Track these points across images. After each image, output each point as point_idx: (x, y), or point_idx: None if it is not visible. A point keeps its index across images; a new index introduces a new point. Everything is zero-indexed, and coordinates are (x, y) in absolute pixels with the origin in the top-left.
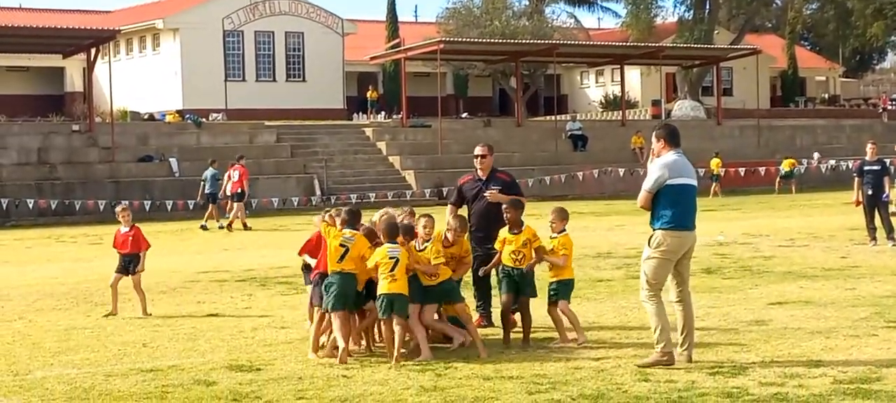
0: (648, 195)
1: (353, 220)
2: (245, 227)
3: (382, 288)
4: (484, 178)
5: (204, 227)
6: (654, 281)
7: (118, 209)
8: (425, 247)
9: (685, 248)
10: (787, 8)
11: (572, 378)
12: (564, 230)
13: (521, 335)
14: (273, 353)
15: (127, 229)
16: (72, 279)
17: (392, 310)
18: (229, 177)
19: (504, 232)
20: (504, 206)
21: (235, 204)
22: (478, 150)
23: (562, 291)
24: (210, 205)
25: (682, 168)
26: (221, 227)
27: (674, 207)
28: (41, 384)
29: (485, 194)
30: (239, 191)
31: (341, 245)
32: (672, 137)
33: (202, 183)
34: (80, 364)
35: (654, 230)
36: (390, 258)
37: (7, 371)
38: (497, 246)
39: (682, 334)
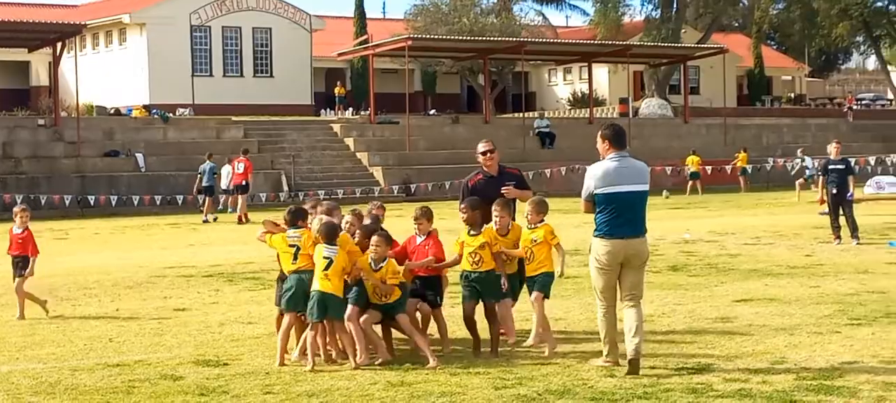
0: (586, 203)
1: (295, 219)
2: (244, 220)
3: (315, 285)
4: (494, 175)
5: (206, 221)
6: (598, 288)
7: (16, 209)
8: (380, 268)
9: (620, 257)
10: (754, 7)
11: (539, 373)
12: (543, 221)
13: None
14: (240, 348)
15: (20, 230)
16: (37, 273)
17: (326, 313)
18: (233, 168)
19: (462, 235)
20: (528, 204)
21: (241, 197)
22: (483, 147)
23: (537, 285)
24: (207, 199)
25: (617, 174)
26: (206, 221)
27: (606, 215)
28: (7, 378)
29: (502, 191)
30: (243, 183)
31: (290, 245)
32: (617, 139)
33: (199, 176)
34: (46, 358)
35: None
36: (324, 258)
37: None
38: (455, 248)
39: (604, 343)
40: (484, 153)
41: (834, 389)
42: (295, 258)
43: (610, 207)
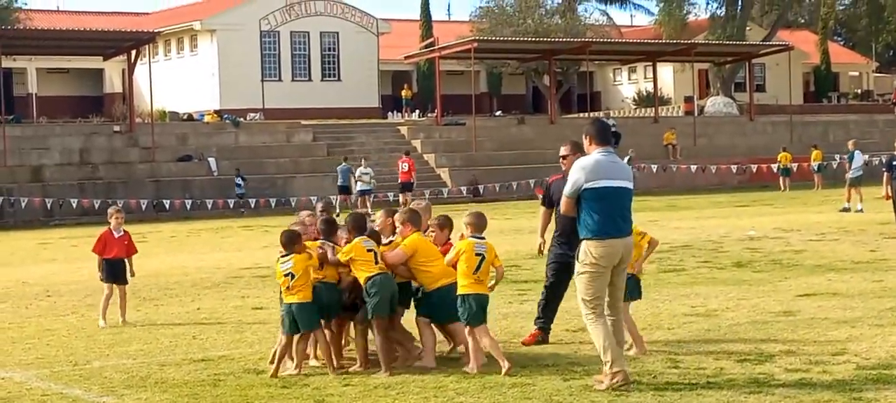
0: (569, 200)
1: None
2: None
3: (286, 298)
4: None
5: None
6: (589, 298)
7: (112, 210)
8: (390, 241)
9: (616, 258)
10: (820, 3)
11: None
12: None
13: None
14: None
15: (122, 233)
16: None
17: (297, 327)
18: (398, 167)
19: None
20: None
21: (402, 195)
22: (561, 150)
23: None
24: (342, 197)
25: (605, 169)
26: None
27: (597, 213)
28: (99, 373)
29: None
30: (409, 181)
31: (368, 249)
32: (600, 134)
33: (338, 178)
34: (135, 354)
35: (581, 240)
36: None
37: (66, 361)
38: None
39: (606, 353)
40: (561, 157)
41: (893, 379)
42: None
43: (602, 204)
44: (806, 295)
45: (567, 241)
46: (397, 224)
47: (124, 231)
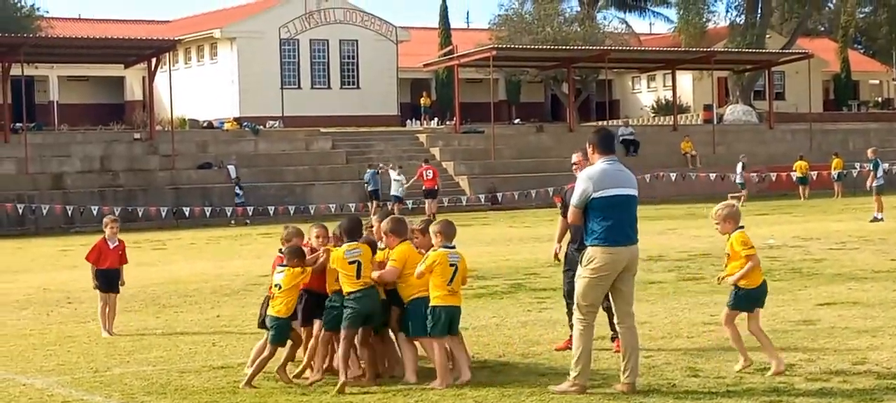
0: (576, 210)
1: (355, 232)
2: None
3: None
4: None
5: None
6: (585, 302)
7: (107, 219)
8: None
9: (620, 266)
10: (840, 11)
11: None
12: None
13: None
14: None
15: (116, 243)
16: (138, 282)
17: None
18: (421, 175)
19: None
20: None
21: (431, 201)
22: (573, 158)
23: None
24: (373, 202)
25: (612, 177)
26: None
27: (604, 221)
28: (120, 380)
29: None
30: (434, 188)
31: (351, 262)
32: (604, 143)
33: (365, 184)
34: (155, 361)
35: (587, 247)
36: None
37: (87, 368)
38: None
39: (623, 360)
40: (574, 163)
41: None
42: (358, 275)
43: (609, 212)
44: (826, 304)
45: (582, 249)
46: (382, 233)
47: (119, 240)
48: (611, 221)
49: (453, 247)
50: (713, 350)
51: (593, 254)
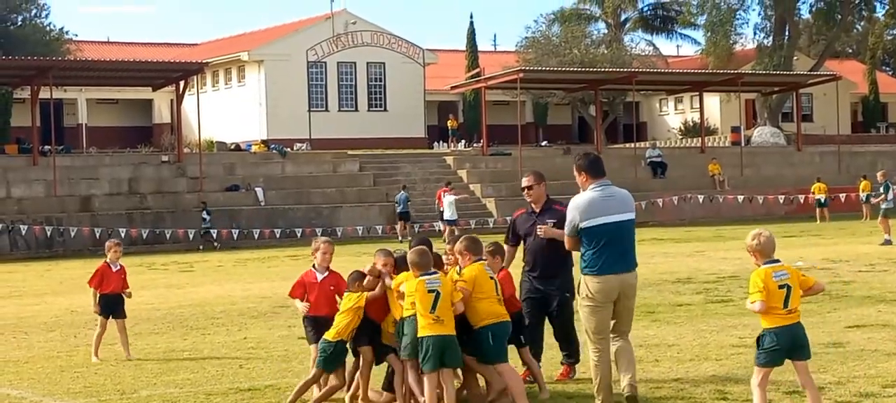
0: (570, 239)
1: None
2: None
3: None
4: (538, 211)
5: (401, 241)
6: (591, 329)
7: (110, 243)
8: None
9: (613, 294)
10: (868, 33)
11: (653, 396)
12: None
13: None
14: None
15: (119, 267)
16: (166, 304)
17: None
18: (440, 199)
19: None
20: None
21: (447, 226)
22: (523, 181)
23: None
24: (402, 223)
25: (598, 207)
26: (401, 241)
27: (593, 249)
28: (147, 402)
29: (538, 231)
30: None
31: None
32: (592, 168)
33: (396, 205)
34: (181, 383)
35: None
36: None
37: (114, 390)
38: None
39: (618, 371)
40: (523, 188)
41: None
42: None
43: (598, 240)
44: (855, 326)
45: (539, 275)
46: (456, 253)
47: (121, 265)
48: (599, 250)
49: (433, 274)
50: (742, 372)
51: (586, 283)
